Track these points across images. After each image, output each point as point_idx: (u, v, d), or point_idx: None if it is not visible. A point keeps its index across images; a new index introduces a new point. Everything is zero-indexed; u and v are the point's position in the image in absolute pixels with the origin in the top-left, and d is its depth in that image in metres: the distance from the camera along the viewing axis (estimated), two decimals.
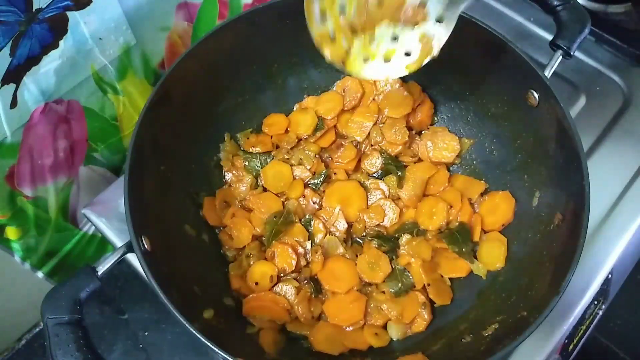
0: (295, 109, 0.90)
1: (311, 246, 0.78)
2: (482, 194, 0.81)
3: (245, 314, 0.73)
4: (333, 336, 0.73)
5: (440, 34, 0.63)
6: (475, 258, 0.77)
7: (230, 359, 0.57)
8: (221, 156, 0.85)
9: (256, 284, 0.75)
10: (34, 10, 0.67)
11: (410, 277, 0.77)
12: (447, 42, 0.79)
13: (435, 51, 0.64)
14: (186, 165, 0.80)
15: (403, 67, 0.66)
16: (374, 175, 0.86)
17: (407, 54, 0.65)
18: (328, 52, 0.65)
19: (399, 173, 0.83)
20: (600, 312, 0.92)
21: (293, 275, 0.77)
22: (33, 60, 0.71)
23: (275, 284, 0.76)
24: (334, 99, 0.88)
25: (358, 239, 0.82)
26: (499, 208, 0.79)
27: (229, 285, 0.77)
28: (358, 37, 0.64)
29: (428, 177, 0.82)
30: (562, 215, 0.69)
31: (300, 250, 0.78)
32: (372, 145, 0.87)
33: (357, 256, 0.78)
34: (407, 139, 0.84)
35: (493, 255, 0.76)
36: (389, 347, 0.74)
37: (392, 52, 0.65)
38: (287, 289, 0.75)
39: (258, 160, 0.85)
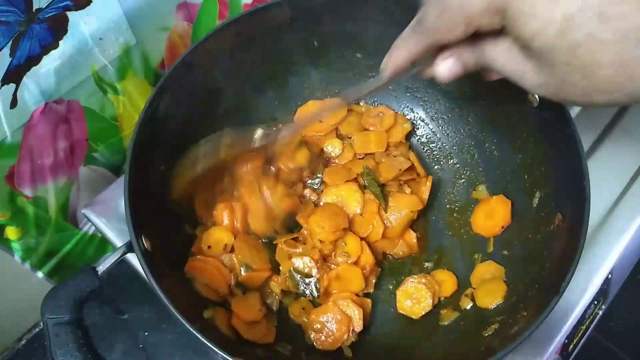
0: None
1: None
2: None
3: (186, 271, 0.73)
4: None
5: None
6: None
7: (230, 359, 0.57)
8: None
9: (209, 247, 0.75)
10: (34, 10, 0.67)
11: None
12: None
13: None
14: None
15: None
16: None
17: None
18: None
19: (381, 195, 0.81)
20: (600, 312, 0.92)
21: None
22: (33, 60, 0.71)
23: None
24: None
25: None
26: (496, 212, 0.79)
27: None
28: None
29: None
30: (562, 215, 0.69)
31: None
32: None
33: None
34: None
35: (490, 295, 0.73)
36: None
37: None
38: (227, 258, 0.75)
39: None
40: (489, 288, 0.73)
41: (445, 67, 0.52)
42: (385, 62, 0.55)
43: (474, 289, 0.76)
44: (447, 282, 0.78)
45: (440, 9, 0.46)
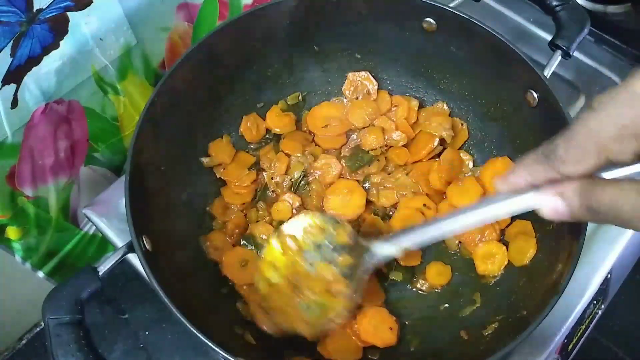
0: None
1: None
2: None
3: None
4: None
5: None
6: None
7: (230, 359, 0.57)
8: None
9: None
10: (34, 10, 0.67)
11: None
12: (447, 42, 0.80)
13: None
14: (187, 165, 0.80)
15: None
16: None
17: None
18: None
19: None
20: (600, 312, 0.92)
21: None
22: (34, 60, 0.71)
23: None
24: (337, 107, 0.89)
25: None
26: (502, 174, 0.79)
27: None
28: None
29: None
30: None
31: None
32: None
33: None
34: None
35: (493, 265, 0.76)
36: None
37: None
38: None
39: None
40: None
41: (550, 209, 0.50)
42: (502, 181, 0.53)
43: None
44: None
45: (568, 137, 0.43)
